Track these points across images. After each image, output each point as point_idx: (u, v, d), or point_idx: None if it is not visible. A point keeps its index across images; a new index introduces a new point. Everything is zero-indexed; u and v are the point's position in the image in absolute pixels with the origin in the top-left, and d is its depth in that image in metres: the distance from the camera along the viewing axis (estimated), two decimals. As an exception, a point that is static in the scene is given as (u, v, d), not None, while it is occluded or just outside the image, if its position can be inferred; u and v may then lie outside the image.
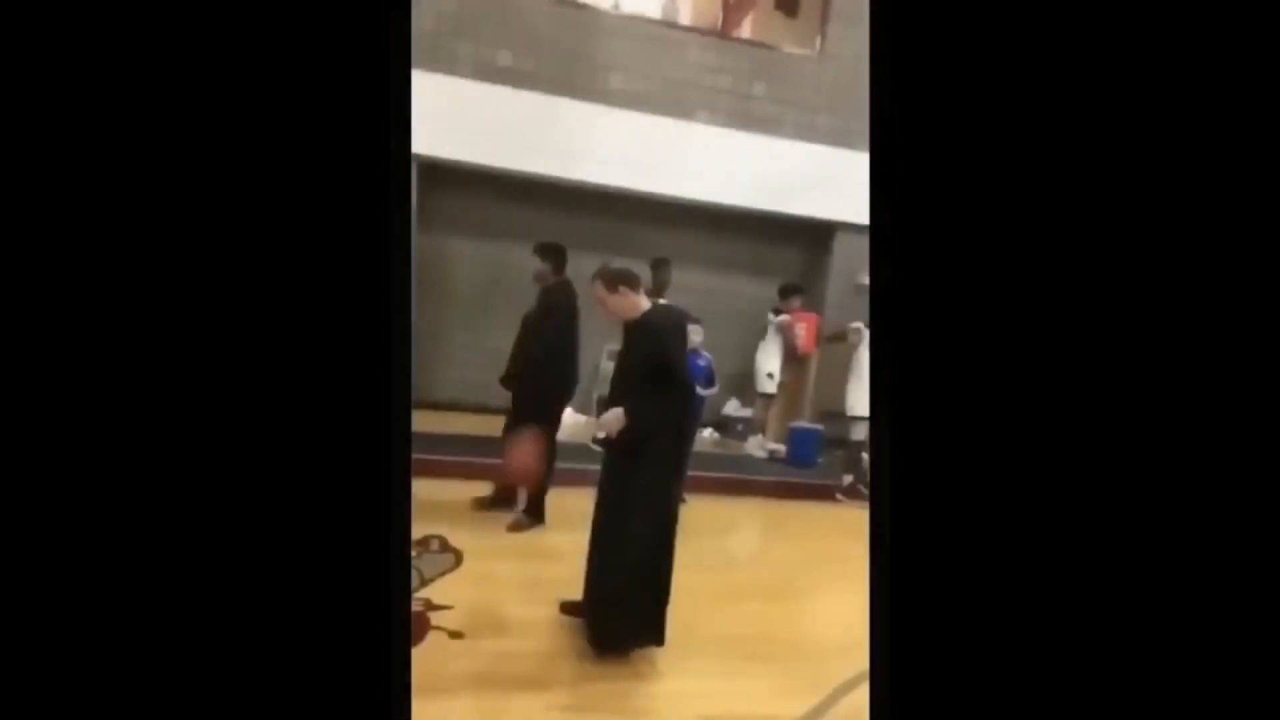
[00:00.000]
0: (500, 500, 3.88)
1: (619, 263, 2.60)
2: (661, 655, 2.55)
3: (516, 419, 3.66)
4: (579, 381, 3.87)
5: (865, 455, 5.35)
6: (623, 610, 2.49)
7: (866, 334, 5.06)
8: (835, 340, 5.48)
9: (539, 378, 3.68)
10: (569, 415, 6.21)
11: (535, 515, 3.83)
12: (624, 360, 2.57)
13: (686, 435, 4.49)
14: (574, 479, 4.27)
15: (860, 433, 5.10)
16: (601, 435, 2.53)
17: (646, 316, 2.49)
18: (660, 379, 2.39)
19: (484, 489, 4.00)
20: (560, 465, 4.59)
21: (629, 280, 2.50)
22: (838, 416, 5.38)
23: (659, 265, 5.34)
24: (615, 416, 2.44)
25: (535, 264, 3.77)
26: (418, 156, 5.46)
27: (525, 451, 2.88)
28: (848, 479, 5.18)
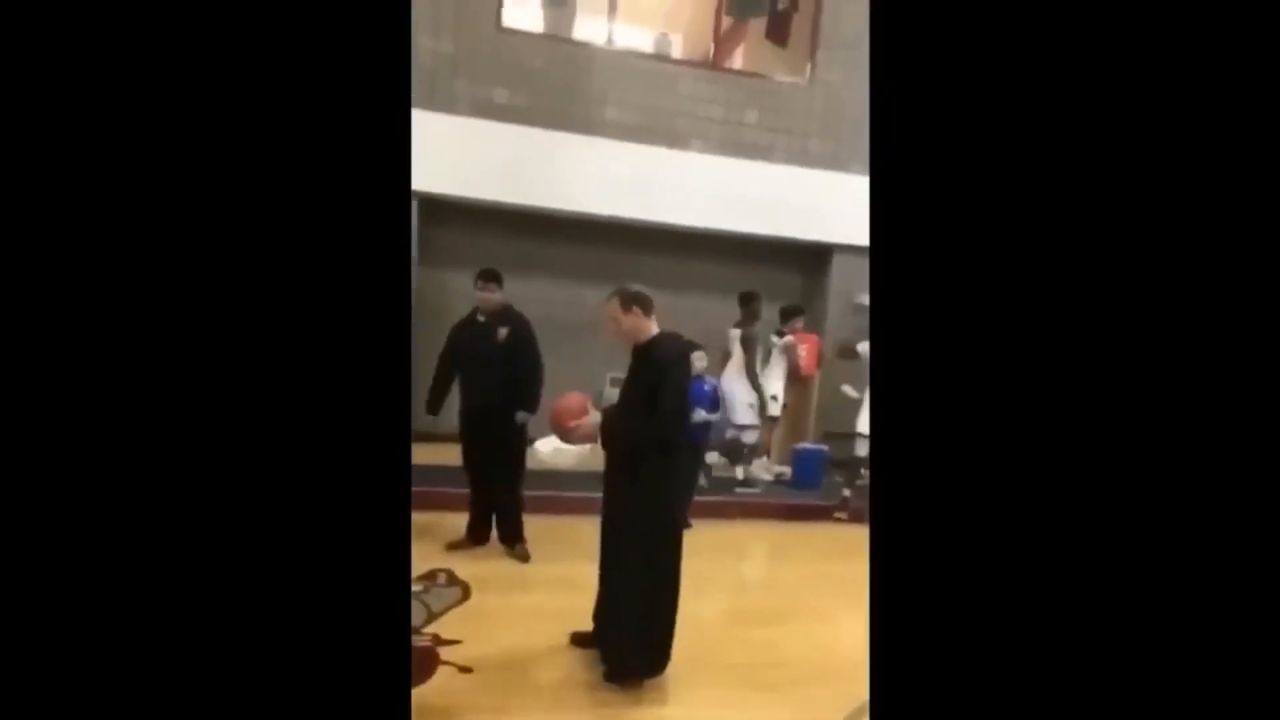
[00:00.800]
0: (474, 539, 3.86)
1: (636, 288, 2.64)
2: (673, 686, 2.52)
3: (493, 443, 3.69)
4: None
5: (865, 472, 5.34)
6: (627, 640, 2.49)
7: None
8: (845, 356, 5.47)
9: (520, 401, 3.69)
10: (557, 442, 6.16)
11: (518, 536, 3.83)
12: (628, 384, 2.60)
13: (691, 462, 4.52)
14: (579, 507, 4.26)
15: (864, 449, 5.10)
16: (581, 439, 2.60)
17: (654, 341, 2.53)
18: (651, 403, 2.42)
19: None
20: (564, 494, 4.59)
21: (643, 303, 2.54)
22: (840, 436, 5.36)
23: (749, 298, 5.42)
24: (591, 422, 2.52)
25: (481, 290, 3.72)
26: (417, 193, 5.53)
27: (576, 402, 2.79)
28: (846, 493, 5.16)
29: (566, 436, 2.63)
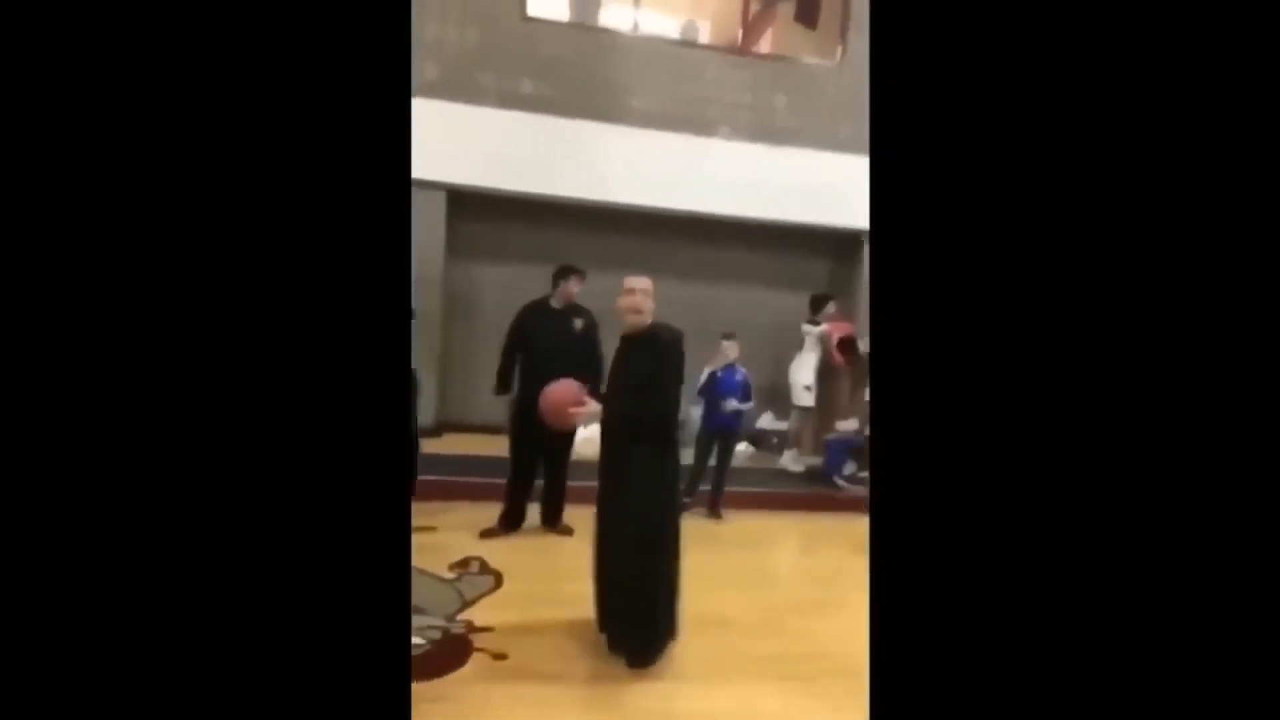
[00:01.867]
0: (507, 527, 3.90)
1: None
2: (708, 675, 2.53)
3: (554, 431, 3.76)
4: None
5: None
6: (636, 625, 2.56)
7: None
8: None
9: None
10: (586, 433, 6.21)
11: (560, 516, 3.95)
12: (625, 371, 2.63)
13: (724, 450, 4.50)
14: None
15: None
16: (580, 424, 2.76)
17: (653, 327, 2.62)
18: (654, 388, 2.51)
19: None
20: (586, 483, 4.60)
21: (650, 293, 2.66)
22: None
23: (821, 301, 5.68)
24: (592, 411, 2.65)
25: (575, 286, 3.83)
26: (445, 185, 5.57)
27: (572, 389, 2.84)
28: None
29: (565, 422, 2.78)
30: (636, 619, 2.55)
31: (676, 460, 2.65)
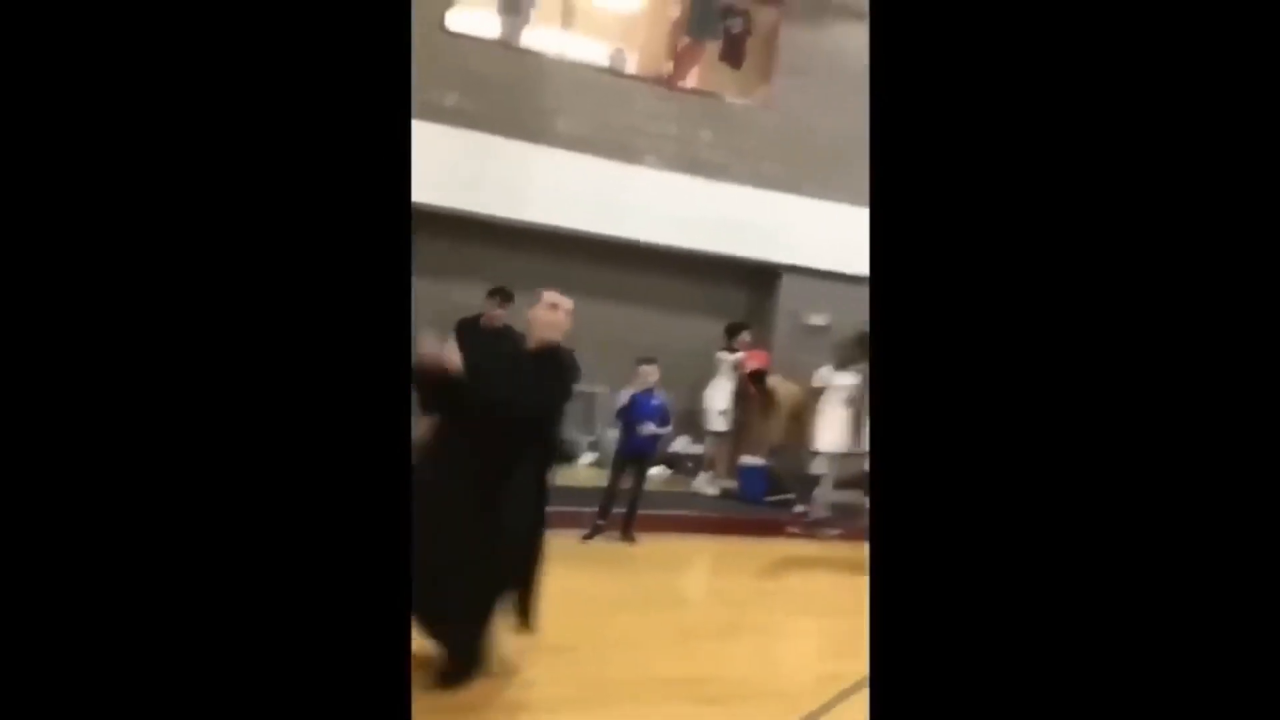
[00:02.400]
0: None
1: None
2: (615, 700, 2.49)
3: None
4: None
5: (827, 488, 5.38)
6: (462, 649, 2.38)
7: (837, 377, 5.22)
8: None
9: None
10: None
11: None
12: (511, 369, 2.54)
13: (637, 474, 4.51)
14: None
15: (823, 467, 5.22)
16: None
17: (557, 349, 2.57)
18: (538, 392, 2.45)
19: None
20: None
21: (571, 315, 2.64)
22: (790, 452, 5.49)
23: (736, 329, 5.90)
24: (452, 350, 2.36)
25: (499, 309, 3.90)
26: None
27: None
28: (800, 508, 5.24)
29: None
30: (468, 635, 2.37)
31: (545, 481, 2.54)
